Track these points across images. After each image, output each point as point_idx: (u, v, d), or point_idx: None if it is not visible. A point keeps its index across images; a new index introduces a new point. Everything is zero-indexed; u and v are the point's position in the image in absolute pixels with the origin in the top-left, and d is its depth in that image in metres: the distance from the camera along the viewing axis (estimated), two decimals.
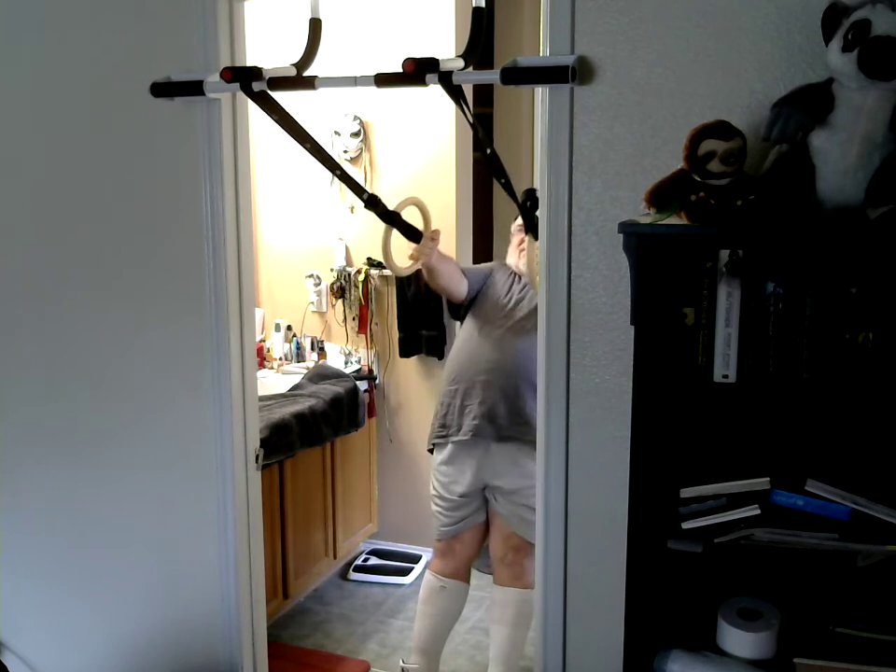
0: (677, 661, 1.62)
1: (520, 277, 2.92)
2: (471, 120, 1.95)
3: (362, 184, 3.73)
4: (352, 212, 3.80)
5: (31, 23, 2.35)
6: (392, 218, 2.49)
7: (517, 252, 2.92)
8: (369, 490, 3.88)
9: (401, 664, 2.96)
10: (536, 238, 2.45)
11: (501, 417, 2.73)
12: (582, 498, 1.95)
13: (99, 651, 2.60)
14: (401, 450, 3.91)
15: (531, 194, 2.34)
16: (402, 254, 2.85)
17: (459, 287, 2.89)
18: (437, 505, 2.87)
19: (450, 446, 2.82)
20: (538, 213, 2.37)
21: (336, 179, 3.76)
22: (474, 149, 3.77)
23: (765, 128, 1.48)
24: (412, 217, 2.71)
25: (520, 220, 2.87)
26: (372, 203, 2.35)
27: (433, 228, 2.83)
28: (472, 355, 2.83)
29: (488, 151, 2.04)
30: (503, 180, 2.06)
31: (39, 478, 2.58)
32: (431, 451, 2.92)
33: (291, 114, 2.12)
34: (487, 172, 2.35)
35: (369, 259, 3.80)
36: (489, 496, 2.80)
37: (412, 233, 2.58)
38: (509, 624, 2.81)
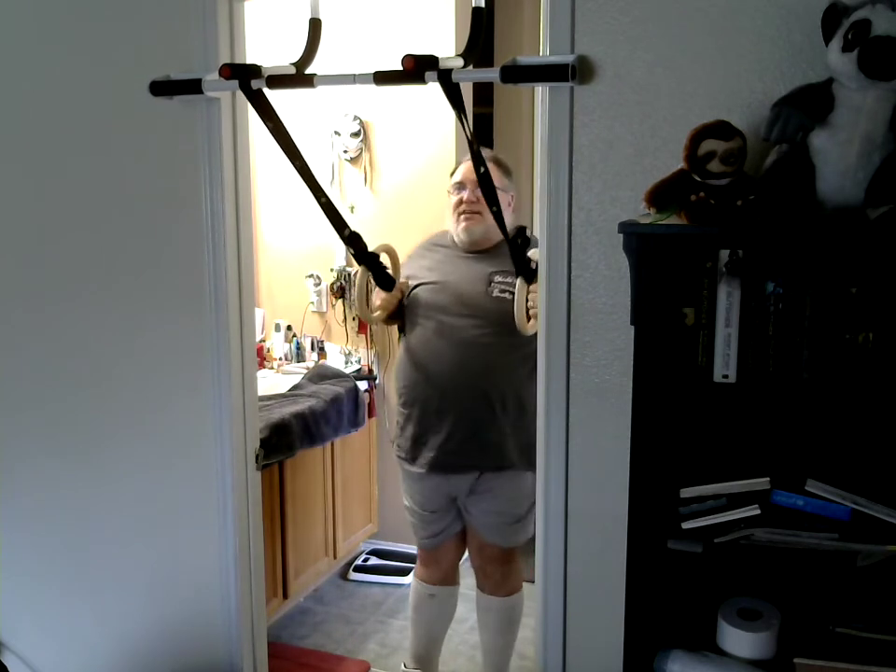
0: (677, 661, 1.62)
1: (461, 255, 2.62)
2: (469, 137, 1.94)
3: (363, 184, 3.76)
4: (352, 212, 3.80)
5: (30, 23, 2.35)
6: (370, 259, 2.37)
7: (455, 216, 2.60)
8: (369, 490, 3.88)
9: (402, 668, 2.95)
10: (527, 281, 2.32)
11: (457, 448, 2.55)
12: (582, 498, 1.95)
13: (99, 651, 2.60)
14: None
15: (522, 232, 2.21)
16: None
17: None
18: (411, 516, 2.77)
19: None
20: (530, 252, 2.28)
21: (335, 179, 3.79)
22: None
23: (765, 128, 1.48)
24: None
25: (457, 177, 2.62)
26: (353, 241, 2.26)
27: (402, 279, 2.66)
28: (419, 377, 2.60)
29: (482, 170, 2.01)
30: (494, 208, 2.03)
31: (39, 478, 2.59)
32: None
33: (286, 126, 2.10)
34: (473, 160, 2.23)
35: None
36: (461, 506, 2.69)
37: (384, 280, 2.43)
38: (494, 632, 2.77)
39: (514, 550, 2.71)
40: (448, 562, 2.80)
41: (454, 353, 2.54)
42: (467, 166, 2.58)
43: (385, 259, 2.55)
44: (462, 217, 2.58)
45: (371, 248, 2.46)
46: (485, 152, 2.31)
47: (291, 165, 2.13)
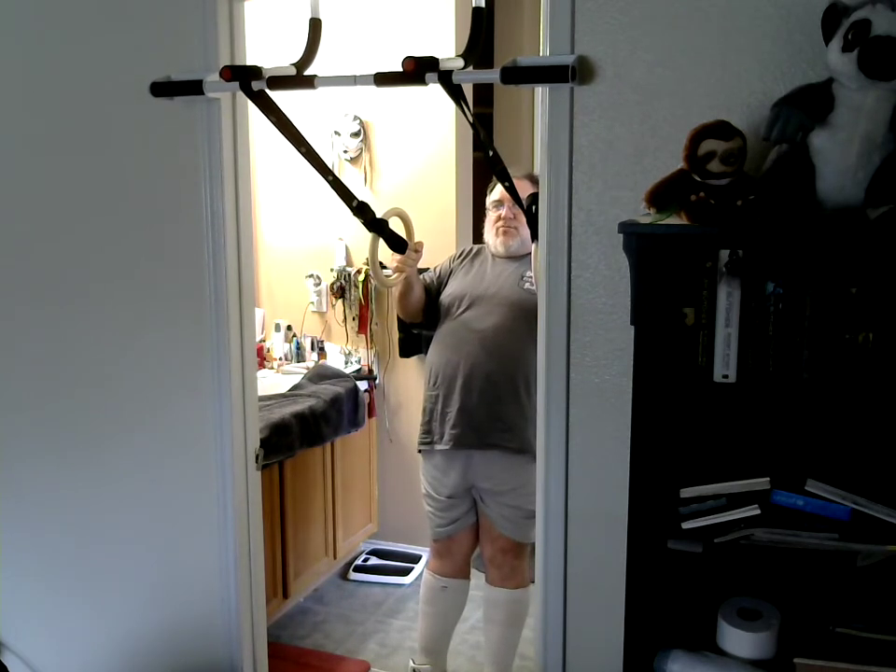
0: (677, 661, 1.62)
1: (496, 259, 2.82)
2: (472, 121, 1.95)
3: (363, 184, 3.76)
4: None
5: (31, 23, 2.35)
6: (379, 227, 2.42)
7: (493, 229, 2.80)
8: (369, 490, 3.88)
9: (411, 664, 2.96)
10: None
11: (482, 424, 2.67)
12: (582, 498, 1.95)
13: (99, 651, 2.60)
14: (401, 450, 3.91)
15: (536, 199, 2.32)
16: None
17: (421, 309, 2.88)
18: (428, 505, 2.86)
19: (434, 453, 2.78)
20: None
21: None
22: (474, 149, 3.77)
23: (765, 128, 1.48)
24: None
25: (495, 195, 2.79)
26: (361, 211, 2.30)
27: (417, 239, 2.79)
28: (451, 357, 2.74)
29: (490, 153, 2.03)
30: (507, 184, 2.05)
31: (39, 478, 2.59)
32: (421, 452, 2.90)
33: (288, 116, 2.11)
34: (489, 172, 2.33)
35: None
36: (476, 496, 2.79)
37: (397, 244, 2.50)
38: (500, 624, 2.81)
39: (525, 546, 2.77)
40: (461, 554, 2.87)
41: (483, 337, 2.71)
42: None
43: (398, 223, 2.70)
44: (500, 231, 2.79)
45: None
46: (521, 169, 2.68)
47: (297, 152, 2.14)
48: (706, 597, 1.71)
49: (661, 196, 1.53)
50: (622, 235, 1.54)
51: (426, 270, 2.99)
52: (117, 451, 2.46)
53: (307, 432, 3.23)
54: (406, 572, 3.79)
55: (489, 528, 2.78)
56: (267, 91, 2.05)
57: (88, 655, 2.62)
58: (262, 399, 3.00)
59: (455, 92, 1.88)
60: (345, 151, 3.77)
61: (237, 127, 2.21)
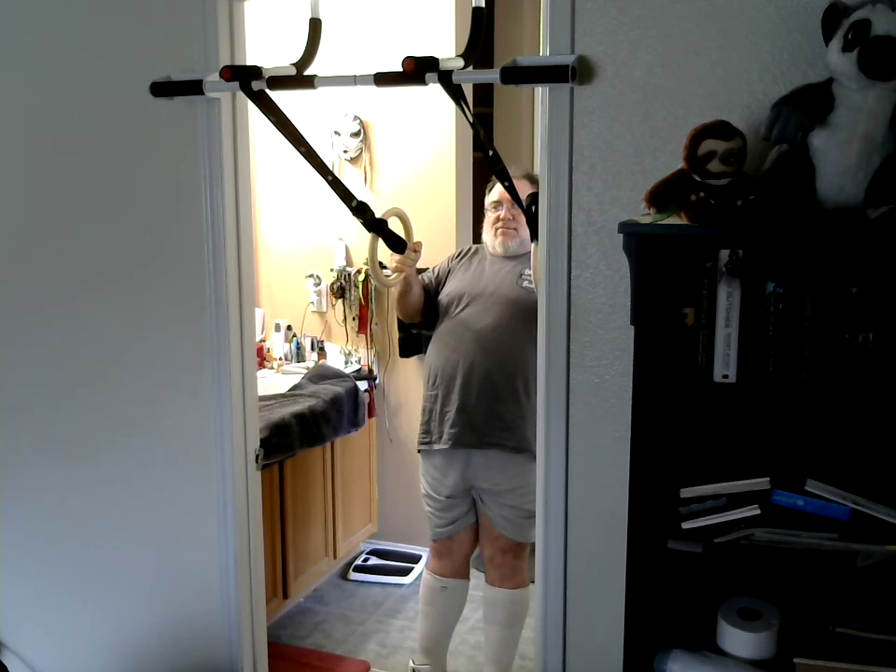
0: (677, 661, 1.62)
1: (494, 257, 2.82)
2: (472, 121, 1.95)
3: (363, 184, 3.76)
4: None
5: (31, 23, 2.35)
6: (379, 227, 2.43)
7: (492, 230, 2.80)
8: (369, 490, 3.88)
9: (411, 664, 2.96)
10: None
11: (481, 423, 2.67)
12: (582, 498, 1.95)
13: (99, 651, 2.60)
14: (401, 450, 3.91)
15: (536, 199, 2.34)
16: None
17: (420, 309, 2.88)
18: (428, 505, 2.85)
19: (434, 453, 2.78)
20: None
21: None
22: (474, 149, 3.77)
23: (765, 128, 1.48)
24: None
25: (494, 195, 2.79)
26: (360, 211, 2.31)
27: (416, 239, 2.79)
28: (449, 356, 2.74)
29: (490, 153, 2.03)
30: (507, 183, 2.05)
31: (40, 478, 2.59)
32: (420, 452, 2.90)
33: (288, 116, 2.11)
34: (489, 172, 2.33)
35: None
36: (475, 496, 2.78)
37: (396, 243, 2.51)
38: (500, 624, 2.82)
39: (525, 546, 2.77)
40: (461, 554, 2.87)
41: (481, 335, 2.71)
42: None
43: (396, 223, 2.69)
44: (499, 232, 2.79)
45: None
46: (520, 169, 2.67)
47: (297, 152, 2.14)
48: (706, 597, 1.71)
49: (661, 196, 1.53)
50: (622, 235, 1.54)
51: (424, 270, 2.99)
52: (117, 451, 2.46)
53: (307, 432, 3.23)
54: (406, 572, 3.79)
55: (489, 528, 2.78)
56: (267, 90, 2.05)
57: (88, 655, 2.62)
58: (262, 398, 3.00)
59: (455, 92, 1.88)
60: (345, 151, 3.77)
61: (237, 127, 2.21)
